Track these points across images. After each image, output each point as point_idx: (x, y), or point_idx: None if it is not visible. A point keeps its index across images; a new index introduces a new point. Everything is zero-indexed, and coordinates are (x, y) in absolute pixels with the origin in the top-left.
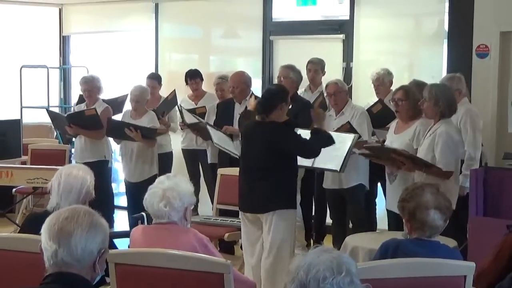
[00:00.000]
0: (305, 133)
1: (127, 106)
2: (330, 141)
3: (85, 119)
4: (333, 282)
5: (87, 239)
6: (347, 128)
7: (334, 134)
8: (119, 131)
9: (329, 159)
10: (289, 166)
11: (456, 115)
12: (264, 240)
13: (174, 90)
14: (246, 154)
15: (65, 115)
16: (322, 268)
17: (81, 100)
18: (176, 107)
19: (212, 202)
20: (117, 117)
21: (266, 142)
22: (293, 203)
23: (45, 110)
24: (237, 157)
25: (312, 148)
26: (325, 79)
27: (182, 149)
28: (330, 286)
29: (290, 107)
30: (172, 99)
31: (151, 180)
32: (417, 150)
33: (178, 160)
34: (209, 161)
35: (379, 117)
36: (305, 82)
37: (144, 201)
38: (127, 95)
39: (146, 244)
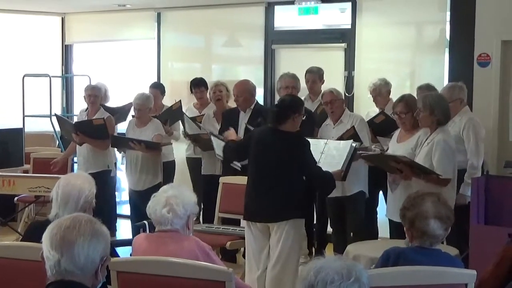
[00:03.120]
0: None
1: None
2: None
3: (93, 128)
4: (340, 286)
5: (90, 247)
6: (352, 133)
7: (335, 143)
8: (123, 144)
9: (331, 168)
10: (301, 175)
11: (458, 124)
12: (271, 249)
13: (180, 101)
14: (258, 161)
15: (73, 123)
16: (332, 272)
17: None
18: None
19: (203, 212)
20: (123, 125)
21: (283, 151)
22: (304, 212)
23: (48, 118)
24: (239, 170)
25: (321, 174)
26: (325, 88)
27: (186, 157)
28: None
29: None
30: (177, 110)
31: (156, 188)
32: None
33: (181, 169)
34: (202, 172)
35: (382, 127)
36: (305, 91)
37: (147, 208)
38: (131, 104)
39: (149, 252)
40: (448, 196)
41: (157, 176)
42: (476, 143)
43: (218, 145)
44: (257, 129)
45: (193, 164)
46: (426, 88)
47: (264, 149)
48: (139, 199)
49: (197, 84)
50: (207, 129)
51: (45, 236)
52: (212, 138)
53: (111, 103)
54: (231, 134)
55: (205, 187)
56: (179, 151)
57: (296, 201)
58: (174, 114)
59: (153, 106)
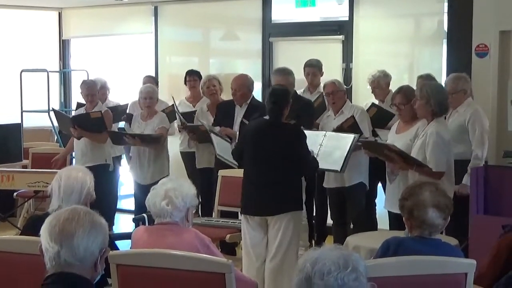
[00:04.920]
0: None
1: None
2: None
3: (90, 122)
4: (337, 276)
5: (89, 239)
6: (351, 122)
7: (335, 135)
8: (120, 138)
9: (330, 159)
10: (298, 167)
11: (463, 114)
12: (270, 241)
13: (173, 105)
14: (256, 154)
15: (71, 116)
16: (328, 262)
17: (79, 106)
18: (175, 109)
19: (202, 205)
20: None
21: (282, 143)
22: (302, 205)
23: (46, 113)
24: (236, 167)
25: (312, 168)
26: (324, 80)
27: (180, 151)
28: (334, 280)
29: (292, 106)
30: (170, 113)
31: None
32: None
33: (176, 163)
34: (198, 166)
35: (376, 119)
36: (303, 82)
37: (147, 201)
38: (127, 104)
39: (148, 245)
40: (445, 189)
41: (164, 170)
42: (481, 134)
43: (219, 144)
44: (253, 122)
45: (188, 158)
46: (426, 78)
47: (262, 142)
48: (144, 193)
49: (191, 73)
50: (206, 126)
51: (44, 229)
52: (213, 136)
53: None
54: (226, 130)
55: (202, 181)
56: (174, 145)
57: (294, 194)
58: (168, 115)
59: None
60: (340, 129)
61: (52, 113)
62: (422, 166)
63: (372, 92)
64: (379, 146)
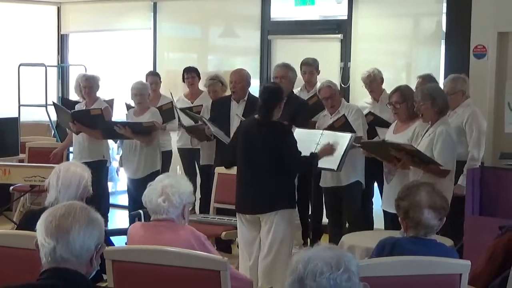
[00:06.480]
0: (302, 133)
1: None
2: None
3: (90, 118)
4: (329, 277)
5: (85, 234)
6: (343, 121)
7: (332, 134)
8: (112, 131)
9: (327, 158)
10: (288, 166)
11: (461, 115)
12: (262, 239)
13: (171, 102)
14: (247, 154)
15: (71, 111)
16: (321, 263)
17: (66, 103)
18: (175, 109)
19: (201, 202)
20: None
21: (271, 142)
22: (294, 203)
23: (43, 108)
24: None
25: (300, 165)
26: (321, 79)
27: (178, 148)
28: (326, 281)
29: (287, 105)
30: (167, 111)
31: (153, 176)
32: None
33: (174, 159)
34: (201, 163)
35: (374, 125)
36: (300, 81)
37: (143, 197)
38: (113, 99)
39: (144, 241)
40: (445, 188)
41: (155, 164)
42: (478, 135)
43: (211, 125)
44: (244, 121)
45: (186, 154)
46: (426, 78)
47: (251, 141)
48: (136, 188)
49: (189, 70)
50: (197, 116)
51: (40, 224)
52: (204, 119)
53: (105, 93)
54: None
55: (203, 177)
56: (172, 142)
57: (285, 192)
58: (164, 113)
59: (152, 94)
60: (331, 128)
61: (49, 108)
62: (428, 164)
63: (368, 88)
64: (387, 146)
